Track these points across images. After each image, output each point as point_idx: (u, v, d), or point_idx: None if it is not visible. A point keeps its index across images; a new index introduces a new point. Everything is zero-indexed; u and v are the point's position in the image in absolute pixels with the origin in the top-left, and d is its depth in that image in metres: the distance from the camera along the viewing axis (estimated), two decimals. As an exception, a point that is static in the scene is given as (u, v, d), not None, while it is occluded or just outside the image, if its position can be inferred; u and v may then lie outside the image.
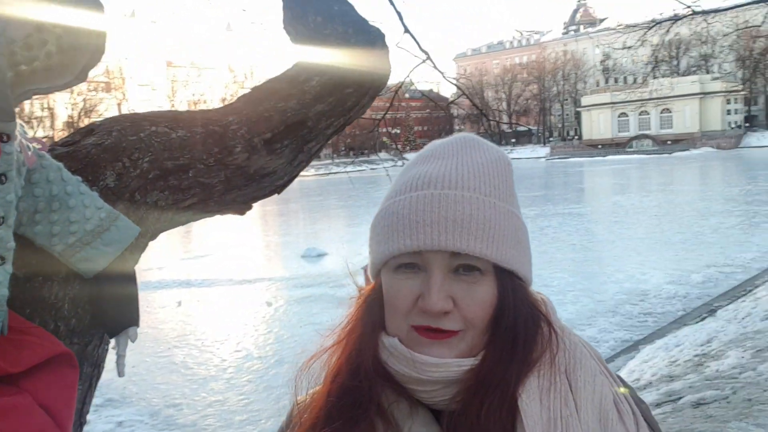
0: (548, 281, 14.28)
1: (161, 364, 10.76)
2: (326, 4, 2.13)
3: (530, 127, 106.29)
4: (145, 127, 1.44)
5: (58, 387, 1.11)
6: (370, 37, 1.98)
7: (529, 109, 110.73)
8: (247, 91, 1.81)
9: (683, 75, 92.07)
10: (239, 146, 1.57)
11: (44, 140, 1.21)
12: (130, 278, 1.30)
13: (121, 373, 1.27)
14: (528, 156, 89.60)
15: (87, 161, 1.32)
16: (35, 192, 1.18)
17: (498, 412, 0.79)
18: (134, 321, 1.29)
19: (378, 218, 0.89)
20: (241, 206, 1.67)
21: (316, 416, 0.88)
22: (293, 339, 11.53)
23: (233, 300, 14.90)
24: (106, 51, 1.14)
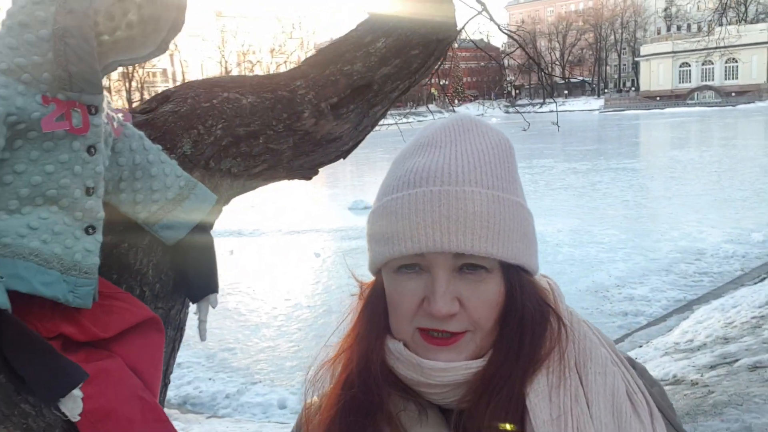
0: (599, 238, 14.03)
1: (216, 310, 11.15)
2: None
3: (584, 78, 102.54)
4: (217, 93, 1.45)
5: (146, 350, 1.17)
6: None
7: (583, 59, 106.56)
8: (312, 53, 1.80)
9: (751, 23, 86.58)
10: (307, 111, 1.57)
11: (127, 110, 1.23)
12: (209, 245, 1.34)
13: (203, 337, 1.33)
14: (581, 108, 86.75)
15: (165, 129, 1.35)
16: (119, 161, 1.22)
17: (505, 412, 0.77)
18: (214, 287, 1.33)
19: (375, 215, 0.84)
20: (308, 171, 1.69)
21: (324, 424, 0.86)
22: (340, 289, 11.75)
23: (283, 250, 15.23)
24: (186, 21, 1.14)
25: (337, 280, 12.41)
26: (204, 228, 1.32)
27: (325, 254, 14.46)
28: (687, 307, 9.23)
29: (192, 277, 1.31)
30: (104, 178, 1.18)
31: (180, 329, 1.41)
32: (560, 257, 12.67)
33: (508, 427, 0.77)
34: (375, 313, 0.86)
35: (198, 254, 1.31)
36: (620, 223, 15.64)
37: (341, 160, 1.77)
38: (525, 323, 0.80)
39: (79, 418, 0.99)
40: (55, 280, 1.04)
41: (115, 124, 1.15)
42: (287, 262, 14.06)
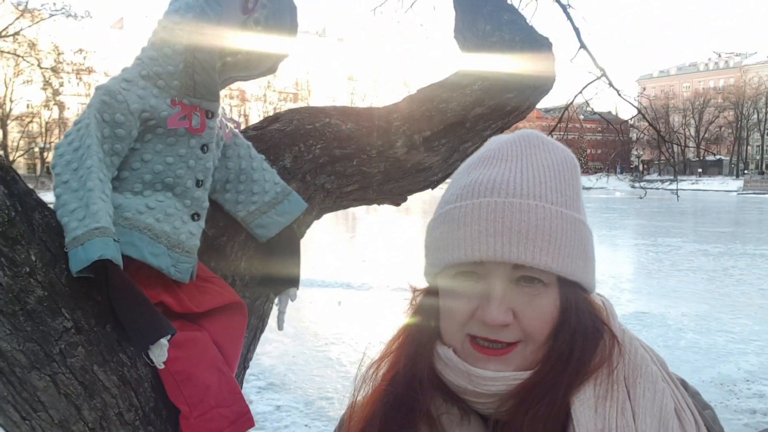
0: (729, 326, 12.85)
1: (318, 357, 11.41)
2: (497, 13, 2.20)
3: (720, 156, 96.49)
4: (320, 118, 1.63)
5: (230, 330, 1.32)
6: (536, 45, 2.02)
7: (721, 137, 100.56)
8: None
9: None
10: (400, 141, 1.71)
11: (239, 121, 1.45)
12: (296, 247, 1.50)
13: (280, 327, 1.48)
14: (716, 188, 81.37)
15: (270, 143, 1.55)
16: (228, 165, 1.42)
17: (545, 421, 0.77)
18: (295, 283, 1.48)
19: (437, 222, 0.86)
20: (397, 197, 1.81)
21: (364, 422, 0.88)
22: (442, 350, 11.59)
23: (388, 306, 15.35)
24: (295, 53, 1.34)
25: (439, 340, 12.28)
26: (293, 231, 1.48)
27: (428, 313, 14.38)
28: (829, 412, 8.16)
29: (277, 272, 1.47)
30: (213, 177, 1.38)
31: (262, 319, 1.56)
32: (683, 343, 11.72)
33: None
34: (427, 318, 0.88)
35: (284, 252, 1.47)
36: (755, 312, 14.25)
37: (429, 190, 1.88)
38: (577, 338, 0.80)
39: (163, 366, 1.15)
40: (161, 252, 1.23)
41: (227, 130, 1.36)
42: (391, 318, 14.11)
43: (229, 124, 1.39)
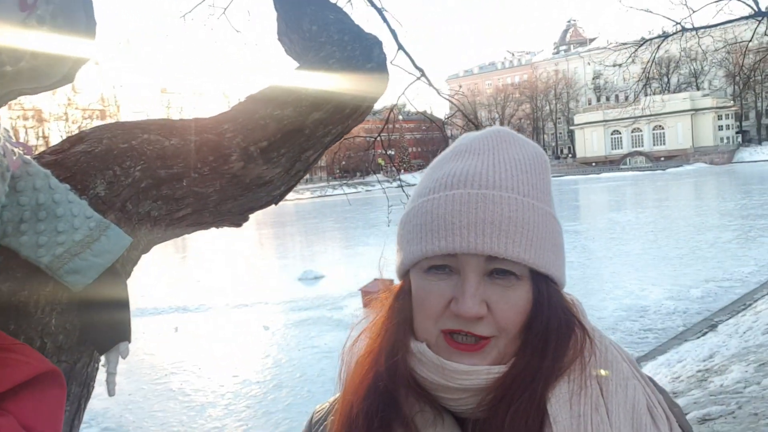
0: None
1: (158, 391, 10.60)
2: (321, 12, 2.10)
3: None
4: (137, 135, 1.38)
5: (43, 408, 1.04)
6: (366, 43, 1.95)
7: (522, 128, 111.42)
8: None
9: (674, 92, 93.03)
10: (235, 155, 1.52)
11: (30, 145, 1.15)
12: (122, 291, 1.24)
13: (111, 392, 1.20)
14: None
15: (76, 169, 1.26)
16: (21, 200, 1.12)
17: (524, 418, 0.76)
18: (125, 336, 1.22)
19: (410, 216, 0.85)
20: (237, 217, 1.61)
21: (339, 424, 0.86)
22: (291, 363, 11.39)
23: (230, 324, 14.74)
24: (96, 61, 1.09)
25: (288, 353, 12.04)
26: (116, 273, 1.22)
27: (274, 326, 14.06)
28: (636, 363, 9.32)
29: (100, 326, 1.20)
30: (2, 219, 1.08)
31: (87, 385, 1.27)
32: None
33: None
34: (400, 314, 0.85)
35: (108, 301, 1.20)
36: (567, 283, 15.94)
37: (273, 206, 1.71)
38: (550, 331, 0.80)
39: None
40: None
41: (14, 157, 1.07)
42: (235, 337, 13.58)
43: (17, 150, 1.10)
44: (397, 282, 0.90)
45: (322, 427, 0.92)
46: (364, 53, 1.92)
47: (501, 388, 0.78)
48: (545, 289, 0.81)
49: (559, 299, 0.83)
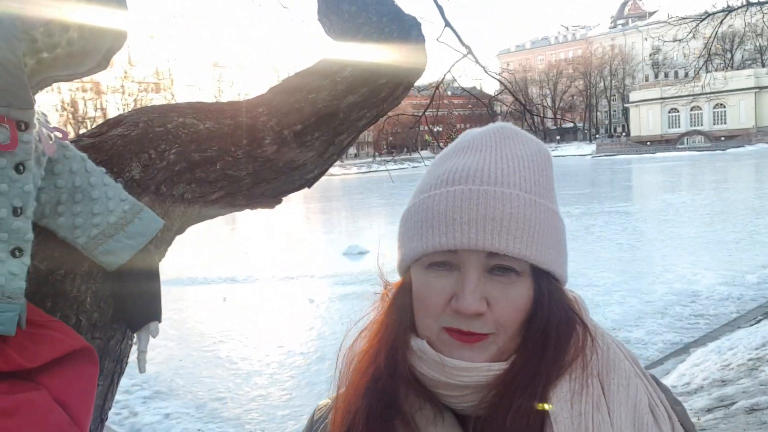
0: (594, 281, 13.93)
1: (207, 358, 10.95)
2: (361, -7, 2.07)
3: (575, 123, 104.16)
4: (172, 118, 1.41)
5: (76, 383, 1.08)
6: (405, 25, 1.92)
7: (574, 105, 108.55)
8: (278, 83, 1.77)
9: (737, 69, 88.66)
10: (268, 138, 1.53)
11: (66, 130, 1.19)
12: (153, 272, 1.28)
13: (142, 369, 1.25)
14: (573, 153, 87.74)
15: (112, 152, 1.30)
16: (58, 183, 1.16)
17: (526, 417, 0.75)
18: (156, 316, 1.26)
19: (410, 212, 0.84)
20: (270, 200, 1.63)
21: (339, 421, 0.86)
22: (334, 336, 11.56)
23: (276, 297, 15.05)
24: (129, 37, 1.11)
25: (331, 326, 12.22)
26: (149, 254, 1.25)
27: (319, 300, 14.27)
28: (683, 350, 9.08)
29: (132, 305, 1.24)
30: (40, 201, 1.12)
31: (120, 362, 1.32)
32: (554, 300, 12.55)
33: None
34: (401, 311, 0.85)
35: (140, 281, 1.24)
36: (615, 266, 15.57)
37: (306, 188, 1.72)
38: (550, 329, 0.79)
39: None
40: None
41: (50, 142, 1.10)
42: (281, 309, 13.86)
43: (53, 134, 1.13)
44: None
45: (323, 425, 0.93)
46: (402, 35, 1.89)
47: (502, 386, 0.77)
48: (546, 286, 0.80)
49: (560, 296, 0.82)
